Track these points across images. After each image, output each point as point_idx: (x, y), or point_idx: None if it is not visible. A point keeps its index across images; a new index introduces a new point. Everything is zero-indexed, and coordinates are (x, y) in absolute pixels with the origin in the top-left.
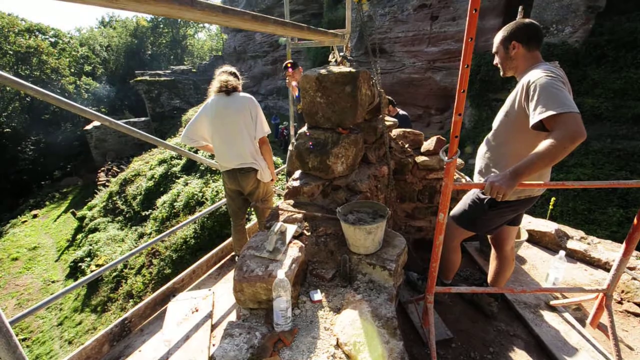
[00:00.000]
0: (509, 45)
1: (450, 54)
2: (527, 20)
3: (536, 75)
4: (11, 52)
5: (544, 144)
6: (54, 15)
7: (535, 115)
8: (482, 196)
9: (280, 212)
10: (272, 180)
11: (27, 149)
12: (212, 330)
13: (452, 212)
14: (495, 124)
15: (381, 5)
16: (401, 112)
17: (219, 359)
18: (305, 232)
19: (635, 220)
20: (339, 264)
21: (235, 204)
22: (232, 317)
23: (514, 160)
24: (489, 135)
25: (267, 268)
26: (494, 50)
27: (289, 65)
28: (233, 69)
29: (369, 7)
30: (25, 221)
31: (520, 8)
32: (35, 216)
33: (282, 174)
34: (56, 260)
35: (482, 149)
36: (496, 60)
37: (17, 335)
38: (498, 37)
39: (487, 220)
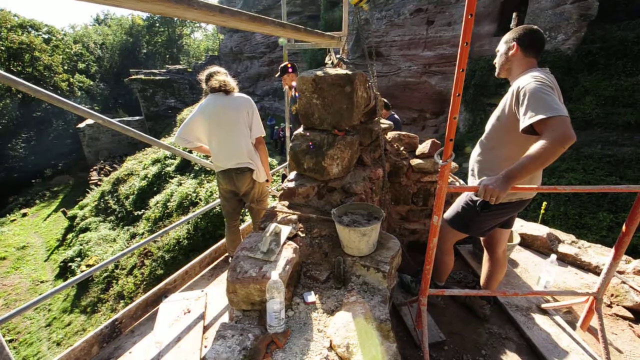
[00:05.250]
0: (511, 44)
1: (446, 58)
2: (535, 27)
3: (525, 81)
4: (3, 48)
5: (535, 147)
6: (47, 11)
7: (525, 120)
8: (476, 198)
9: (275, 213)
10: (267, 181)
11: (17, 146)
12: (204, 332)
13: (446, 215)
14: (488, 127)
15: (378, 8)
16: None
17: None
18: (299, 233)
19: (624, 226)
20: (333, 266)
21: (229, 205)
22: (225, 318)
23: (506, 163)
24: (482, 138)
25: (260, 269)
26: (497, 48)
27: (288, 65)
28: (224, 71)
29: (369, 8)
30: (14, 220)
31: (514, 14)
32: (24, 215)
33: (277, 175)
34: (45, 260)
35: (475, 152)
36: (495, 59)
37: (4, 336)
38: (504, 36)
39: (480, 223)
